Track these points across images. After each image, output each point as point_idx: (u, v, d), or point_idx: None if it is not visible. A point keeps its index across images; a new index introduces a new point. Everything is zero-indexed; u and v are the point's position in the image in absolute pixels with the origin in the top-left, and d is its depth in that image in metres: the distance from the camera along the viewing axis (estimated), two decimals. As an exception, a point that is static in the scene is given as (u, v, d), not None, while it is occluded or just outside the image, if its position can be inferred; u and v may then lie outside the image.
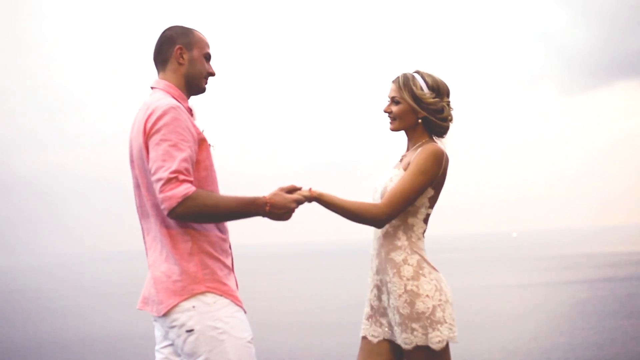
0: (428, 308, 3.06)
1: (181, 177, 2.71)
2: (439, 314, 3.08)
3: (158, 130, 2.78)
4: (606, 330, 10.91)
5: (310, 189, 2.95)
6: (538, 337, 10.54)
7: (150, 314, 2.98)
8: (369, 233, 3.34)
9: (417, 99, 3.16)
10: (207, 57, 3.07)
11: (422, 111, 3.17)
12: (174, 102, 2.88)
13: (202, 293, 2.80)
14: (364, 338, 3.32)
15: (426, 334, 3.07)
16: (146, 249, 2.96)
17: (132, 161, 2.95)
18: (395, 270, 3.12)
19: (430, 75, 3.18)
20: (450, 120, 3.26)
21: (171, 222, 2.84)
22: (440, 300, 3.10)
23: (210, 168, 2.93)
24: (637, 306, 14.06)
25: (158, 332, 3.01)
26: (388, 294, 3.16)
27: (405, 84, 3.16)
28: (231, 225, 3.03)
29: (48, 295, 23.74)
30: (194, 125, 2.87)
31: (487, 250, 53.60)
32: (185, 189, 2.70)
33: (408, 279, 3.09)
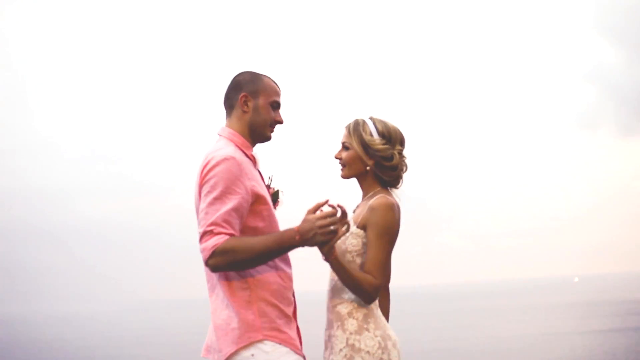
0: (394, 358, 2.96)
1: (217, 229, 2.68)
2: None
3: (208, 181, 2.76)
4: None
5: (336, 205, 2.79)
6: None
7: None
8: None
9: (365, 145, 3.06)
10: (275, 105, 2.99)
11: (370, 158, 3.08)
12: (232, 152, 2.83)
13: (260, 341, 2.76)
14: None
15: None
16: (209, 296, 2.94)
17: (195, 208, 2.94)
18: (339, 324, 3.02)
19: (382, 122, 3.10)
20: (402, 169, 3.14)
21: (230, 272, 2.81)
22: (381, 359, 2.94)
23: (269, 218, 2.88)
24: None
25: None
26: (331, 348, 3.05)
27: (355, 129, 3.08)
28: (304, 272, 3.00)
29: (97, 343, 24.02)
30: (251, 177, 2.83)
31: (548, 296, 52.50)
32: (216, 240, 2.67)
33: (351, 333, 2.97)
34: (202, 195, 2.76)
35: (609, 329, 20.49)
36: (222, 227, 2.70)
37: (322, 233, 2.70)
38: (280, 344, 2.80)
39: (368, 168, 3.08)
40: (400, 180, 3.13)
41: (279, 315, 2.83)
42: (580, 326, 22.07)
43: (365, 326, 2.98)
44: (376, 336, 2.98)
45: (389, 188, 3.14)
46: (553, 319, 26.97)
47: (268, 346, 2.77)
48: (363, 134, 3.06)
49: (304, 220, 2.72)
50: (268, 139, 3.03)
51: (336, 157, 3.15)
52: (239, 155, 2.85)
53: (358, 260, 3.00)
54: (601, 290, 58.88)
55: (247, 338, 2.76)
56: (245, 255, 2.68)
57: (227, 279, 2.81)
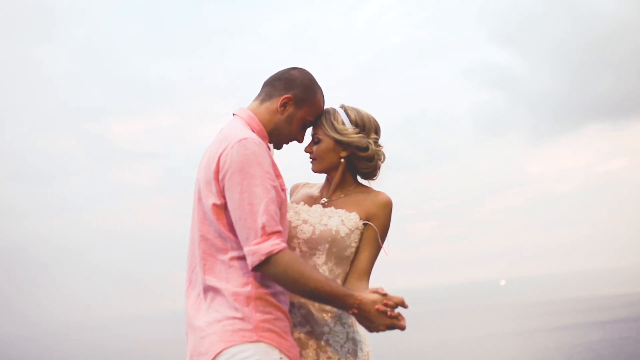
0: (366, 355, 2.95)
1: (270, 228, 2.48)
2: (371, 358, 3.00)
3: (236, 166, 2.51)
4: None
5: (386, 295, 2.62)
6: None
7: None
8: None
9: (337, 134, 2.88)
10: (309, 124, 2.83)
11: (343, 149, 2.90)
12: (255, 136, 2.60)
13: (255, 342, 2.50)
14: None
15: None
16: (189, 295, 2.69)
17: (198, 198, 2.66)
18: (336, 319, 2.89)
19: (355, 110, 2.94)
20: (380, 160, 2.99)
21: (233, 262, 2.58)
22: (368, 344, 2.98)
23: (285, 216, 2.67)
24: (632, 349, 13.79)
25: None
26: (319, 347, 2.87)
27: (326, 119, 2.90)
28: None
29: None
30: (275, 167, 2.63)
31: (474, 300, 53.35)
32: (271, 245, 2.46)
33: (349, 326, 2.90)
34: (230, 182, 2.51)
35: (537, 329, 20.67)
36: (274, 226, 2.49)
37: (381, 326, 2.54)
38: (276, 347, 2.55)
39: (342, 160, 2.92)
40: (378, 172, 2.99)
41: (280, 318, 2.61)
42: (508, 327, 22.27)
43: (353, 319, 2.92)
44: (359, 325, 2.92)
45: (363, 181, 3.03)
46: (482, 321, 27.30)
47: (262, 348, 2.51)
48: (335, 123, 2.89)
49: (368, 302, 2.52)
50: (279, 148, 2.84)
51: (306, 151, 2.96)
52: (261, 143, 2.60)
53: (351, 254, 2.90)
54: (528, 291, 60.19)
55: (241, 337, 2.50)
56: (294, 278, 2.47)
57: (228, 269, 2.57)
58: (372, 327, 2.55)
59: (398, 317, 2.54)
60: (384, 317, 2.52)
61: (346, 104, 2.96)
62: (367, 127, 2.95)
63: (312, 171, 2.97)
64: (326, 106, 2.92)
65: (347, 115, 2.93)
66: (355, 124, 2.93)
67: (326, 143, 2.92)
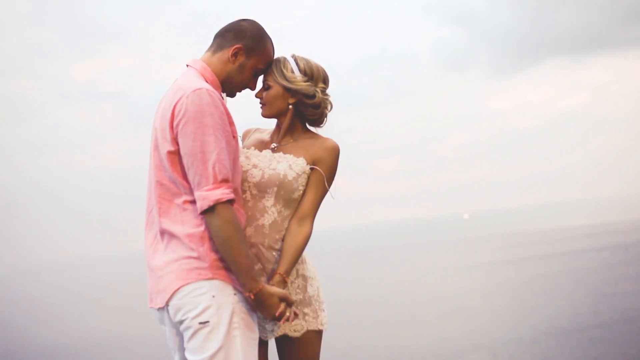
0: (315, 290, 3.11)
1: (221, 175, 2.63)
2: (321, 293, 3.15)
3: (190, 114, 2.64)
4: (564, 304, 10.85)
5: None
6: (501, 315, 10.45)
7: (156, 311, 2.80)
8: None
9: (286, 81, 3.04)
10: (260, 72, 2.98)
11: (291, 96, 3.05)
12: (209, 86, 2.74)
13: (210, 279, 2.66)
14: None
15: (317, 317, 3.10)
16: (147, 236, 2.83)
17: (155, 146, 2.80)
18: None
19: (304, 59, 3.09)
20: (327, 108, 3.13)
21: (186, 206, 2.72)
22: (318, 279, 3.15)
23: (237, 160, 2.84)
24: (593, 279, 14.03)
25: (171, 338, 2.81)
26: (273, 276, 3.00)
27: (276, 67, 3.06)
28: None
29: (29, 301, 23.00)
30: (229, 115, 2.77)
31: (438, 234, 54.07)
32: (221, 193, 2.61)
33: (299, 263, 3.08)
34: (184, 130, 2.64)
35: (500, 260, 20.96)
36: (225, 174, 2.64)
37: (269, 316, 2.75)
38: (230, 284, 2.70)
39: (290, 107, 3.08)
40: (325, 119, 3.14)
41: None
42: (473, 260, 22.58)
43: (303, 256, 3.10)
44: (310, 260, 3.14)
45: (312, 128, 3.17)
46: (446, 255, 27.63)
47: (217, 285, 2.68)
48: (284, 70, 3.04)
49: (272, 294, 2.72)
50: (232, 96, 2.98)
51: (257, 96, 3.11)
52: (216, 93, 2.74)
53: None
54: (491, 225, 61.15)
55: (197, 275, 2.66)
56: (226, 236, 2.61)
57: (182, 212, 2.71)
58: (264, 314, 2.74)
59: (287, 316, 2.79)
60: (273, 311, 2.73)
61: (297, 54, 3.09)
62: (315, 76, 3.06)
63: (261, 116, 3.09)
64: (278, 55, 3.06)
65: (297, 64, 3.05)
66: (304, 72, 3.04)
67: (275, 89, 3.04)
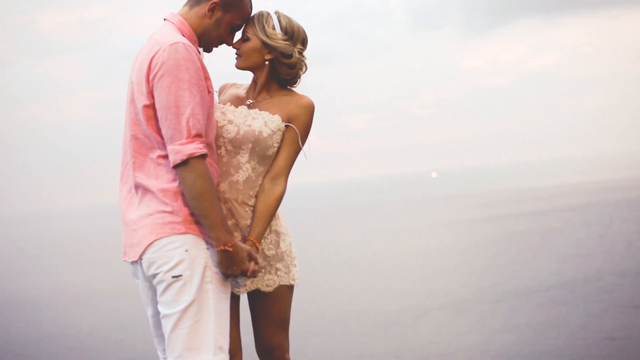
0: (288, 246, 3.14)
1: (195, 130, 2.63)
2: (294, 248, 3.18)
3: (167, 68, 2.63)
4: (528, 264, 11.00)
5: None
6: (466, 274, 10.57)
7: (130, 265, 2.82)
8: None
9: (265, 37, 3.04)
10: (236, 28, 2.97)
11: (269, 52, 3.06)
12: (186, 40, 2.74)
13: (183, 233, 2.68)
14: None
15: (288, 272, 3.13)
16: (122, 189, 2.84)
17: (131, 100, 2.79)
18: None
19: (287, 18, 3.09)
20: (302, 69, 3.15)
21: (160, 161, 2.73)
22: (291, 235, 3.17)
23: (212, 115, 2.86)
24: (558, 238, 14.22)
25: (144, 291, 2.84)
26: (243, 239, 3.03)
27: (258, 21, 3.06)
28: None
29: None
30: (205, 69, 2.79)
31: (407, 192, 54.37)
32: (194, 148, 2.62)
33: (272, 219, 3.10)
34: (160, 84, 2.65)
35: (467, 220, 21.16)
36: (198, 129, 2.64)
37: (237, 271, 2.73)
38: (203, 239, 2.72)
39: (266, 62, 3.08)
40: (298, 80, 3.17)
41: None
42: (439, 219, 22.76)
43: (277, 212, 3.12)
44: (282, 216, 3.16)
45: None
46: (414, 213, 27.83)
47: (190, 239, 2.69)
48: (265, 26, 3.05)
49: (245, 250, 2.73)
50: (209, 51, 2.99)
51: (234, 47, 3.11)
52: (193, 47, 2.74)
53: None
54: (459, 183, 61.58)
55: (170, 229, 2.67)
56: (199, 190, 2.61)
57: (156, 167, 2.72)
58: (228, 269, 2.71)
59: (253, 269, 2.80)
60: (243, 266, 2.73)
61: (281, 12, 3.08)
62: (296, 36, 3.07)
63: (235, 67, 3.09)
64: (262, 9, 3.07)
65: (279, 21, 3.04)
66: (284, 31, 3.04)
67: (254, 42, 3.03)
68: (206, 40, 2.94)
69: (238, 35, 3.12)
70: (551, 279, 9.60)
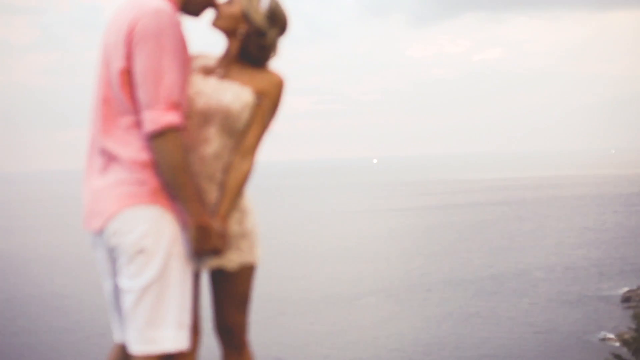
0: (252, 224, 2.89)
1: (172, 98, 2.41)
2: (257, 228, 2.99)
3: (149, 33, 2.41)
4: (460, 255, 11.17)
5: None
6: (399, 261, 10.66)
7: (90, 234, 2.50)
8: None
9: (247, 7, 2.77)
10: None
11: (246, 22, 2.96)
12: (170, 7, 2.50)
13: (150, 204, 2.42)
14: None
15: (252, 251, 3.11)
16: (90, 157, 2.55)
17: (104, 62, 2.53)
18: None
19: (276, 1, 3.03)
20: (270, 52, 3.04)
21: (131, 128, 2.49)
22: (255, 214, 3.08)
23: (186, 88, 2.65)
24: (490, 230, 14.46)
25: (103, 263, 2.58)
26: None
27: None
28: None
29: None
30: (188, 44, 2.56)
31: (348, 176, 54.53)
32: (172, 118, 2.39)
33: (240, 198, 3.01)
34: (141, 48, 2.41)
35: (404, 207, 21.30)
36: (177, 98, 2.42)
37: (207, 248, 2.44)
38: (170, 212, 2.47)
39: (240, 31, 2.78)
40: (265, 63, 2.82)
41: None
42: (376, 204, 22.88)
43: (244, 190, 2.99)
44: (248, 195, 2.91)
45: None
46: (351, 197, 27.88)
47: (156, 211, 2.44)
48: None
49: (213, 228, 2.44)
50: (197, 15, 2.70)
51: (218, 5, 2.85)
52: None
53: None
54: (398, 171, 61.99)
55: (137, 199, 2.42)
56: (174, 163, 2.42)
57: (126, 134, 2.48)
58: (199, 246, 2.52)
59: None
60: (217, 242, 2.53)
61: None
62: (277, 20, 3.07)
63: (211, 24, 3.04)
64: None
65: (269, 0, 3.02)
66: (268, 10, 3.04)
67: (234, 8, 3.04)
68: (193, 4, 2.89)
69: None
70: (483, 270, 9.80)
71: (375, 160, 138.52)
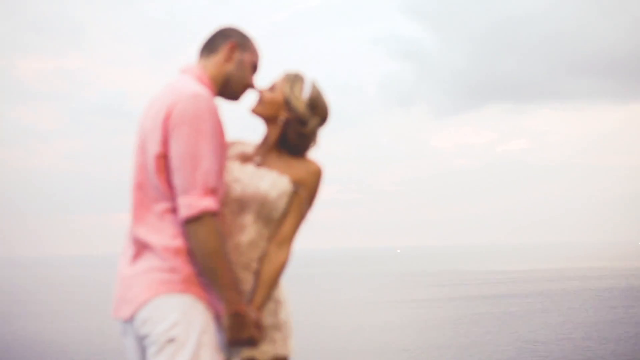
0: (287, 316, 2.99)
1: (210, 184, 2.49)
2: (291, 319, 3.04)
3: (188, 120, 2.48)
4: (485, 348, 11.02)
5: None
6: (423, 353, 10.54)
7: (120, 322, 2.60)
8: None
9: (290, 94, 2.94)
10: (255, 68, 2.87)
11: (287, 110, 2.94)
12: (207, 91, 2.60)
13: (181, 293, 2.50)
14: None
15: (285, 343, 2.98)
16: (124, 244, 2.67)
17: (141, 147, 2.63)
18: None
19: (319, 91, 3.00)
20: (311, 141, 3.03)
21: (165, 215, 2.56)
22: (289, 305, 3.03)
23: (223, 175, 2.75)
24: (516, 323, 14.28)
25: (133, 352, 2.60)
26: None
27: (289, 77, 2.97)
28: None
29: None
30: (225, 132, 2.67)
31: (371, 265, 54.26)
32: (208, 203, 2.48)
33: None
34: (178, 132, 2.48)
35: (428, 298, 21.12)
36: (214, 184, 2.50)
37: (243, 338, 2.57)
38: (201, 301, 2.55)
39: (281, 119, 2.95)
40: (305, 152, 3.02)
41: None
42: (400, 295, 22.72)
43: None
44: (282, 286, 3.02)
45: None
46: (374, 288, 27.74)
47: (188, 300, 2.51)
48: (294, 85, 2.96)
49: (250, 318, 2.56)
50: (236, 99, 2.85)
51: (257, 90, 2.98)
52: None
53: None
54: (422, 261, 61.59)
55: (168, 287, 2.50)
56: (211, 248, 2.47)
57: (159, 221, 2.56)
58: (234, 335, 2.58)
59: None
60: (252, 332, 2.59)
61: (317, 84, 3.02)
62: (319, 109, 2.98)
63: (251, 111, 2.98)
64: (301, 71, 3.02)
65: (311, 89, 2.97)
66: (311, 99, 2.96)
67: (277, 95, 2.94)
68: (232, 87, 2.81)
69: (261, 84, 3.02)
70: (509, 364, 9.64)
71: (398, 250, 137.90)
